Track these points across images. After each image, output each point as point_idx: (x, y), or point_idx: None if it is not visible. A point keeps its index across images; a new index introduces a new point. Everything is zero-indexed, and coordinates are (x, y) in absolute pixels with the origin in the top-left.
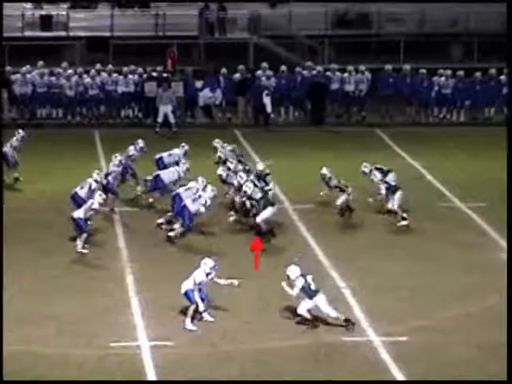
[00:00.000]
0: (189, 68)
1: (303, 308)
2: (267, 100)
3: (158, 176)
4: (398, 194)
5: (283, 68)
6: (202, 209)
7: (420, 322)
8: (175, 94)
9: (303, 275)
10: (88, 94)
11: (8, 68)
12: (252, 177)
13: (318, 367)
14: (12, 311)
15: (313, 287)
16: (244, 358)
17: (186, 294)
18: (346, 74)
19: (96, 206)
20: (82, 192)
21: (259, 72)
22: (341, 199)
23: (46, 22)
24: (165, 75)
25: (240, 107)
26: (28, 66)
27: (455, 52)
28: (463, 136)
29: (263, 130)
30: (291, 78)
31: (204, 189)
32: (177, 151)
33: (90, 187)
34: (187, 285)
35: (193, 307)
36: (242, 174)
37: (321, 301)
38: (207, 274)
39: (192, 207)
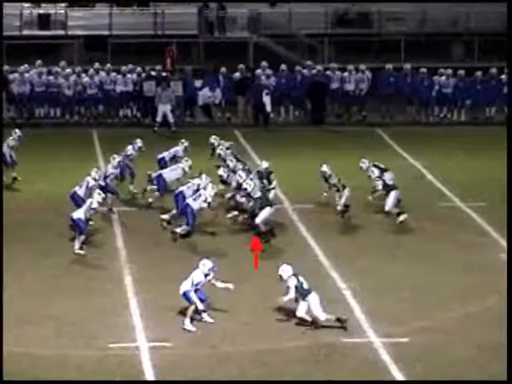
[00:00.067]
0: (188, 67)
1: (301, 310)
2: (267, 99)
3: (160, 175)
4: (393, 194)
5: (283, 67)
6: (205, 205)
7: (420, 323)
8: (174, 93)
9: (295, 274)
10: (86, 94)
11: (6, 67)
12: (252, 176)
13: (318, 368)
14: (12, 311)
15: (305, 286)
16: (244, 359)
17: (184, 294)
18: (346, 73)
19: (95, 204)
20: (81, 191)
21: (259, 71)
22: (342, 201)
23: (44, 21)
24: (164, 74)
25: (240, 106)
26: (26, 65)
27: (456, 51)
28: (464, 135)
29: (263, 130)
30: (291, 77)
31: (205, 187)
32: (177, 148)
33: (87, 185)
34: (186, 286)
35: (192, 308)
36: (241, 172)
37: (313, 300)
38: (206, 275)
39: (194, 205)
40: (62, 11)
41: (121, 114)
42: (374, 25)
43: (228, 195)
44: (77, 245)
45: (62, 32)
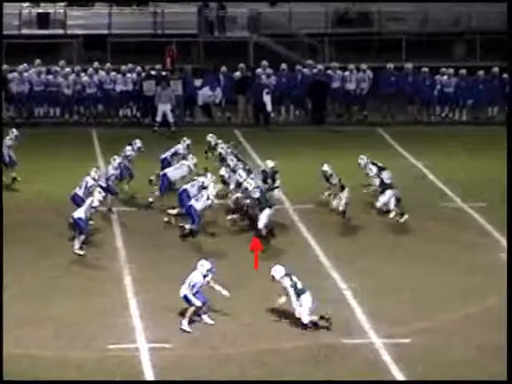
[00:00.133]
0: (188, 66)
1: (308, 313)
2: (267, 99)
3: (164, 175)
4: (389, 192)
5: (284, 66)
6: (209, 202)
7: (421, 324)
8: (174, 92)
9: (288, 274)
10: (86, 93)
11: (5, 66)
12: (252, 175)
13: (319, 369)
14: (12, 312)
15: (299, 286)
16: (244, 359)
17: (185, 297)
18: (347, 73)
19: (96, 203)
20: (81, 192)
21: (259, 70)
22: (343, 201)
23: (43, 20)
24: (164, 74)
25: (240, 106)
26: (25, 65)
27: (457, 50)
28: (465, 135)
29: (263, 130)
30: (291, 77)
31: (207, 186)
32: (178, 146)
33: (86, 185)
34: (185, 288)
35: (192, 309)
36: (241, 172)
37: (306, 300)
38: (204, 276)
39: (198, 205)
40: (61, 10)
41: (120, 114)
42: (374, 24)
43: (233, 197)
44: (77, 244)
45: (61, 31)
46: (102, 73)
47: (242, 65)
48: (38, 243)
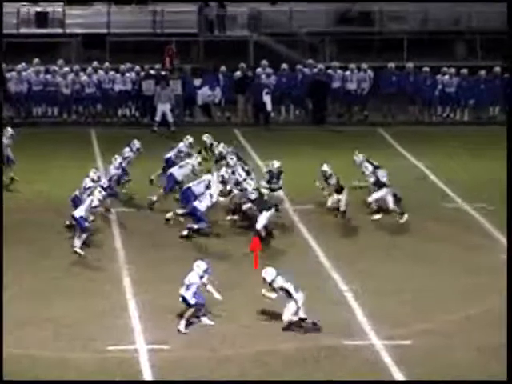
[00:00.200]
0: (187, 66)
1: (293, 313)
2: (267, 98)
3: (171, 174)
4: (384, 190)
5: (284, 66)
6: (214, 200)
7: (422, 326)
8: (173, 92)
9: (280, 275)
10: (84, 92)
11: (3, 65)
12: (252, 176)
13: (319, 370)
14: (11, 313)
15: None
16: (244, 360)
17: (183, 298)
18: (347, 72)
19: (96, 203)
20: (80, 193)
21: (259, 70)
22: (343, 203)
23: (42, 19)
24: (163, 73)
25: (240, 106)
26: (23, 64)
27: (459, 50)
28: (467, 135)
29: (263, 129)
30: (292, 76)
31: (209, 185)
32: (180, 144)
33: (84, 186)
34: (183, 290)
35: (191, 311)
36: (240, 171)
37: (300, 299)
38: (200, 277)
39: (201, 206)
40: (60, 9)
41: (119, 114)
42: (375, 23)
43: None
44: (78, 243)
45: (59, 30)
46: (100, 72)
47: (242, 64)
48: (38, 243)
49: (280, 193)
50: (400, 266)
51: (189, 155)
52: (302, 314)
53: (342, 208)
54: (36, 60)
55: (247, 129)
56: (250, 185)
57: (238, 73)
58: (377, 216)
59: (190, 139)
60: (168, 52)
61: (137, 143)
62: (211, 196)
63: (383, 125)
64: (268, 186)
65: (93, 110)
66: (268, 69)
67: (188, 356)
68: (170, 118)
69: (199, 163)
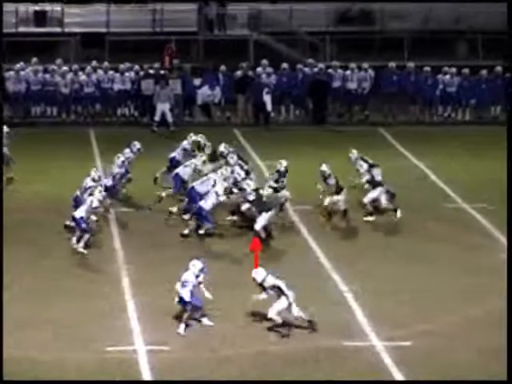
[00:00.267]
0: (187, 65)
1: (295, 310)
2: (267, 98)
3: (176, 174)
4: (379, 189)
5: (284, 65)
6: (221, 198)
7: (422, 327)
8: (173, 91)
9: (269, 274)
10: (83, 92)
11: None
12: (251, 176)
13: (319, 371)
14: (11, 313)
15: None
16: (243, 361)
17: (180, 298)
18: (348, 72)
19: (96, 203)
20: (81, 193)
21: (259, 69)
22: (341, 203)
23: (41, 18)
24: (162, 72)
25: (240, 105)
26: (22, 63)
27: (460, 49)
28: (468, 135)
29: (263, 129)
30: (292, 76)
31: (214, 184)
32: (185, 143)
33: (85, 186)
34: (179, 287)
35: (188, 313)
36: (239, 171)
37: (291, 297)
38: (196, 276)
39: (206, 205)
40: (59, 8)
41: (118, 113)
42: (376, 22)
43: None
44: (80, 244)
45: (58, 29)
46: (99, 72)
47: (244, 63)
48: (38, 244)
49: (285, 192)
50: (400, 267)
51: (193, 154)
52: (295, 313)
53: (342, 207)
54: (34, 59)
55: (247, 129)
56: (248, 185)
57: (239, 72)
58: (370, 218)
59: (193, 137)
60: (167, 51)
61: (137, 144)
62: (217, 194)
63: (384, 125)
64: (277, 185)
65: (92, 110)
66: (268, 68)
67: (187, 357)
68: (170, 118)
69: (203, 162)
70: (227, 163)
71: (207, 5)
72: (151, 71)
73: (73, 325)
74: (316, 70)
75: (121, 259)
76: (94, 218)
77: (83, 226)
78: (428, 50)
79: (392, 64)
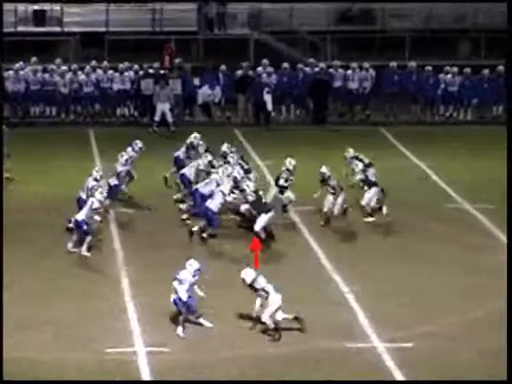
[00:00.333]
0: (187, 65)
1: (279, 315)
2: (268, 98)
3: (182, 175)
4: (374, 190)
5: (285, 65)
6: (229, 198)
7: (424, 328)
8: (173, 91)
9: (259, 275)
10: (83, 92)
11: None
12: (251, 176)
13: (319, 371)
14: (11, 314)
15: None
16: (243, 362)
17: (175, 299)
18: (349, 71)
19: (96, 204)
20: (84, 194)
21: (260, 69)
22: (338, 204)
23: (40, 17)
24: (162, 72)
25: (240, 105)
26: (21, 63)
27: (462, 49)
28: (470, 135)
29: (264, 129)
30: (293, 75)
31: (220, 183)
32: (188, 142)
33: (87, 186)
34: (176, 284)
35: (184, 314)
36: (239, 170)
37: (279, 300)
38: (193, 276)
39: (213, 206)
40: (58, 7)
41: (118, 113)
42: (377, 21)
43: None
44: (84, 246)
45: (57, 29)
46: (99, 71)
47: (245, 63)
48: (38, 244)
49: (290, 194)
50: (401, 268)
51: (197, 152)
52: (265, 318)
53: (341, 209)
54: (34, 59)
55: (247, 129)
56: (248, 186)
57: (239, 72)
58: (370, 218)
59: (197, 136)
60: (167, 50)
61: (139, 143)
62: (223, 193)
63: (385, 124)
64: (286, 184)
65: (91, 110)
66: (269, 68)
67: (187, 358)
68: (170, 118)
69: (209, 162)
70: (228, 162)
71: (207, 4)
72: (151, 71)
73: (73, 325)
74: (317, 69)
75: (120, 260)
76: (97, 218)
77: (85, 228)
78: (429, 49)
79: (393, 63)
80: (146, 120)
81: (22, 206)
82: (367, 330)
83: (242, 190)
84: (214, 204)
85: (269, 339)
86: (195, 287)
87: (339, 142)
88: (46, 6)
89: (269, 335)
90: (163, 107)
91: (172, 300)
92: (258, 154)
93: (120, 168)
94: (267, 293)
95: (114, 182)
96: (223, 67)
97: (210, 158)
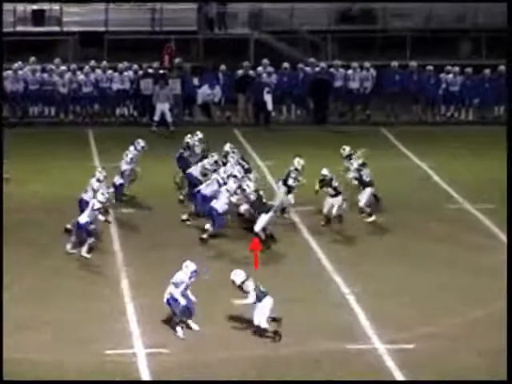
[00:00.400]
0: (187, 64)
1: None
2: (268, 97)
3: (190, 174)
4: (369, 190)
5: (285, 65)
6: (234, 198)
7: (425, 329)
8: (172, 91)
9: (249, 278)
10: (82, 92)
11: None
12: (251, 176)
13: (320, 372)
14: (11, 314)
15: (262, 288)
16: (243, 362)
17: (170, 299)
18: (350, 71)
19: (97, 205)
20: (87, 196)
21: (260, 68)
22: (336, 206)
23: (39, 17)
24: (162, 72)
25: (240, 105)
26: (20, 63)
27: (463, 48)
28: (471, 135)
29: (264, 129)
30: (293, 75)
31: (225, 182)
32: (191, 142)
33: (92, 188)
34: (172, 287)
35: (180, 314)
36: (240, 169)
37: (268, 304)
38: (189, 278)
39: (218, 206)
40: (57, 7)
41: (117, 113)
42: (378, 21)
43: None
44: (85, 247)
45: (56, 28)
46: (98, 71)
47: (246, 63)
48: (38, 244)
49: (290, 197)
50: (402, 268)
51: (194, 153)
52: (263, 324)
53: (340, 210)
54: (32, 58)
55: (247, 129)
56: (249, 186)
57: (240, 71)
58: (371, 218)
59: (199, 135)
60: (167, 50)
61: (141, 142)
62: (229, 192)
63: (386, 124)
64: (294, 185)
65: (90, 110)
66: (269, 67)
67: (187, 359)
68: (169, 118)
69: (215, 161)
70: (228, 162)
71: (207, 4)
72: (150, 71)
73: (72, 326)
74: (317, 69)
75: (120, 261)
76: (101, 218)
77: (88, 230)
78: (430, 48)
79: (394, 63)
80: (146, 120)
81: (22, 206)
82: (368, 332)
83: (243, 190)
84: (219, 204)
85: (269, 340)
86: (188, 290)
87: (340, 142)
88: (45, 6)
89: (267, 337)
90: (163, 107)
91: (165, 300)
92: (258, 155)
93: (125, 167)
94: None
95: (118, 181)
96: (223, 67)
97: (216, 157)
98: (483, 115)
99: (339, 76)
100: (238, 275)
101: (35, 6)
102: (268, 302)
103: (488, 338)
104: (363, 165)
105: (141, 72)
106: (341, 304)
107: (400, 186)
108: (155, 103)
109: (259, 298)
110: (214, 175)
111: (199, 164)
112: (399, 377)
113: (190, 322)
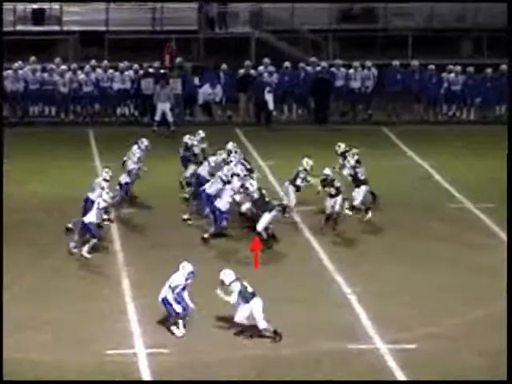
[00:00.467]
0: (188, 64)
1: (241, 316)
2: (269, 97)
3: (199, 175)
4: (364, 189)
5: (286, 64)
6: (237, 197)
7: (427, 329)
8: (173, 91)
9: (238, 279)
10: (82, 91)
11: None
12: (254, 175)
13: (321, 372)
14: (11, 314)
15: (249, 290)
16: (243, 362)
17: (164, 299)
18: (351, 70)
19: (102, 204)
20: (94, 195)
21: (261, 68)
22: (338, 206)
23: (39, 16)
24: (162, 71)
25: (241, 104)
26: (20, 62)
27: (465, 47)
28: (473, 135)
29: (265, 129)
30: (294, 74)
31: (229, 181)
32: (194, 142)
33: (101, 187)
34: (166, 290)
35: (178, 315)
36: (241, 168)
37: (257, 305)
38: (186, 279)
39: (221, 204)
40: (57, 6)
41: (118, 113)
42: (379, 20)
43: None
44: (86, 247)
45: (57, 27)
46: (98, 70)
47: (248, 62)
48: (38, 244)
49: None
50: (404, 268)
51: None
52: (262, 324)
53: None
54: (33, 58)
55: (248, 128)
56: (252, 185)
57: (241, 71)
58: (368, 215)
59: (201, 134)
60: (168, 50)
61: (145, 141)
62: (233, 190)
63: (387, 124)
64: (303, 185)
65: (91, 110)
66: (270, 67)
67: (187, 359)
68: (170, 118)
69: (223, 160)
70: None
71: (208, 3)
72: (151, 70)
73: (73, 326)
74: (318, 68)
75: (121, 261)
76: (105, 217)
77: (93, 230)
78: (432, 48)
79: (396, 62)
80: (147, 120)
81: (22, 206)
82: (370, 332)
83: (246, 188)
84: (222, 203)
85: (270, 340)
86: (185, 292)
87: (341, 141)
88: (45, 5)
89: (268, 337)
90: (163, 107)
91: (160, 300)
92: (259, 154)
93: (132, 166)
94: (244, 297)
95: (125, 179)
96: (224, 66)
97: (224, 156)
98: (485, 114)
99: (340, 75)
100: (227, 275)
101: (35, 6)
102: (257, 302)
103: (488, 338)
104: (359, 162)
105: (141, 71)
106: (342, 304)
107: (401, 186)
108: (156, 103)
109: (246, 300)
110: (219, 173)
111: (205, 163)
112: (400, 377)
113: (180, 323)
